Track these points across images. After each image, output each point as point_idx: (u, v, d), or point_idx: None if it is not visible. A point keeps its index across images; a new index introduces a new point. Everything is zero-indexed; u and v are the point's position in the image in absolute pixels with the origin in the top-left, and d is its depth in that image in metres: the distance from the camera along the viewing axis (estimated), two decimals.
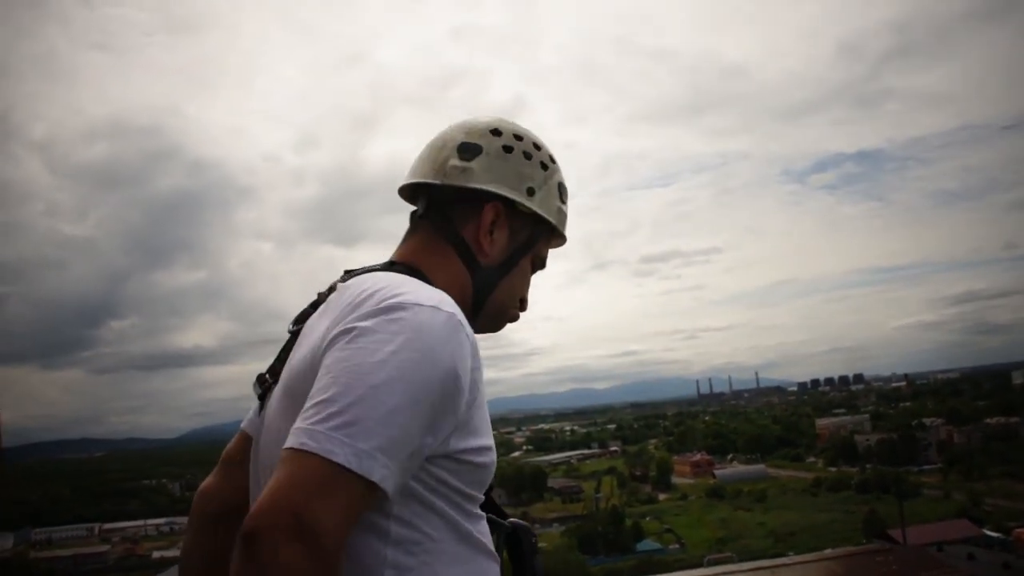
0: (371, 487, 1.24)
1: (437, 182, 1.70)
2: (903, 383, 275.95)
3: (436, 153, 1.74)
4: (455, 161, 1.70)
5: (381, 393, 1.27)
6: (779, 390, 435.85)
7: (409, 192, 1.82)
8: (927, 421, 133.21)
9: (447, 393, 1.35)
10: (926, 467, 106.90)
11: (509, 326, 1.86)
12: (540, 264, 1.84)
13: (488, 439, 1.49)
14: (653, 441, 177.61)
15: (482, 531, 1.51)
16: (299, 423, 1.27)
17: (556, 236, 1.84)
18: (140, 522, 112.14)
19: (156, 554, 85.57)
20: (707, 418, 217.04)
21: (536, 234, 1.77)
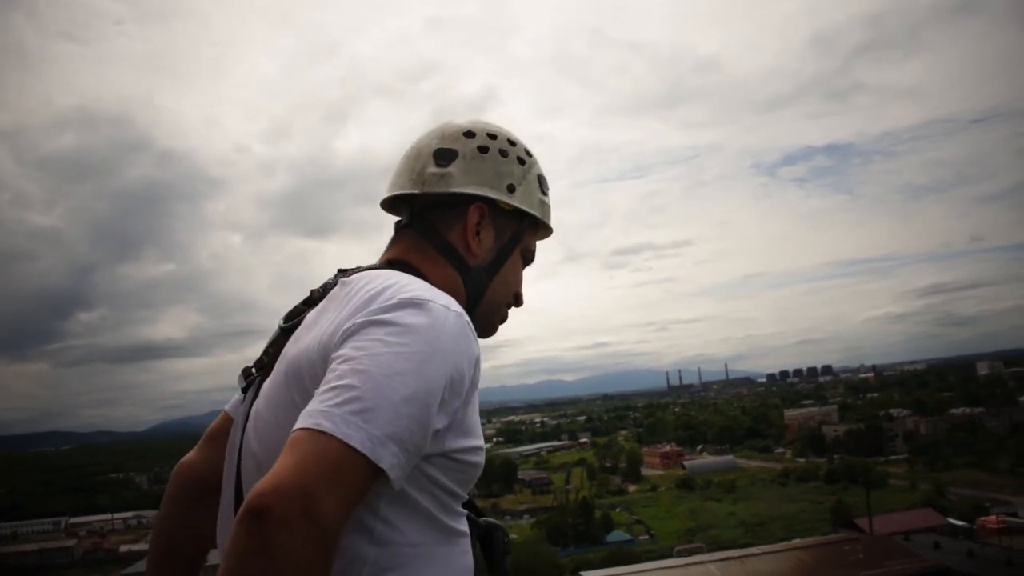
0: (377, 474, 1.27)
1: (417, 191, 1.72)
2: (870, 375, 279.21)
3: (413, 163, 1.76)
4: (432, 168, 1.72)
5: (397, 383, 1.31)
6: (748, 381, 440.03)
7: (389, 204, 1.84)
8: (894, 412, 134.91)
9: (454, 391, 1.40)
10: (893, 457, 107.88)
11: None
12: (530, 257, 1.87)
13: (480, 439, 1.53)
14: (623, 432, 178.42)
15: (463, 529, 1.54)
16: (314, 405, 1.29)
17: (542, 228, 1.88)
18: (108, 516, 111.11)
19: (124, 548, 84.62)
20: (677, 409, 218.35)
21: (521, 229, 1.80)
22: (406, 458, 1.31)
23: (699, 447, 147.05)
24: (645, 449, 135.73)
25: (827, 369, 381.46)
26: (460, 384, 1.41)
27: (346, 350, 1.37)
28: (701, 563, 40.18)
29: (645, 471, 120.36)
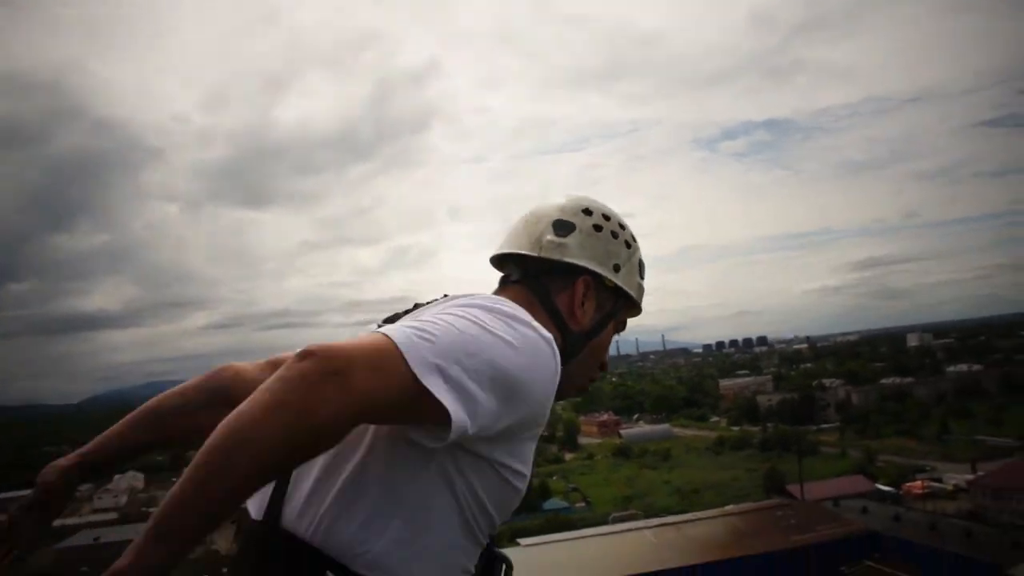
0: (422, 396, 1.31)
1: (534, 254, 1.87)
2: (805, 345, 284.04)
3: (532, 227, 1.91)
4: (551, 236, 1.87)
5: (472, 345, 1.38)
6: (685, 352, 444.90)
7: (498, 259, 2.00)
8: (827, 382, 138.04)
9: (524, 401, 1.46)
10: (825, 426, 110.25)
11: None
12: (621, 328, 2.02)
13: (527, 469, 1.60)
14: (560, 401, 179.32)
15: (478, 547, 1.60)
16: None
17: (634, 307, 2.02)
18: None
19: (56, 522, 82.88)
20: (614, 379, 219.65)
21: (619, 306, 1.95)
22: (458, 398, 1.33)
23: (636, 416, 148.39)
24: (582, 418, 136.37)
25: (762, 340, 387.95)
26: (531, 400, 1.47)
27: (435, 308, 1.50)
28: (637, 530, 40.69)
29: (582, 439, 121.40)
